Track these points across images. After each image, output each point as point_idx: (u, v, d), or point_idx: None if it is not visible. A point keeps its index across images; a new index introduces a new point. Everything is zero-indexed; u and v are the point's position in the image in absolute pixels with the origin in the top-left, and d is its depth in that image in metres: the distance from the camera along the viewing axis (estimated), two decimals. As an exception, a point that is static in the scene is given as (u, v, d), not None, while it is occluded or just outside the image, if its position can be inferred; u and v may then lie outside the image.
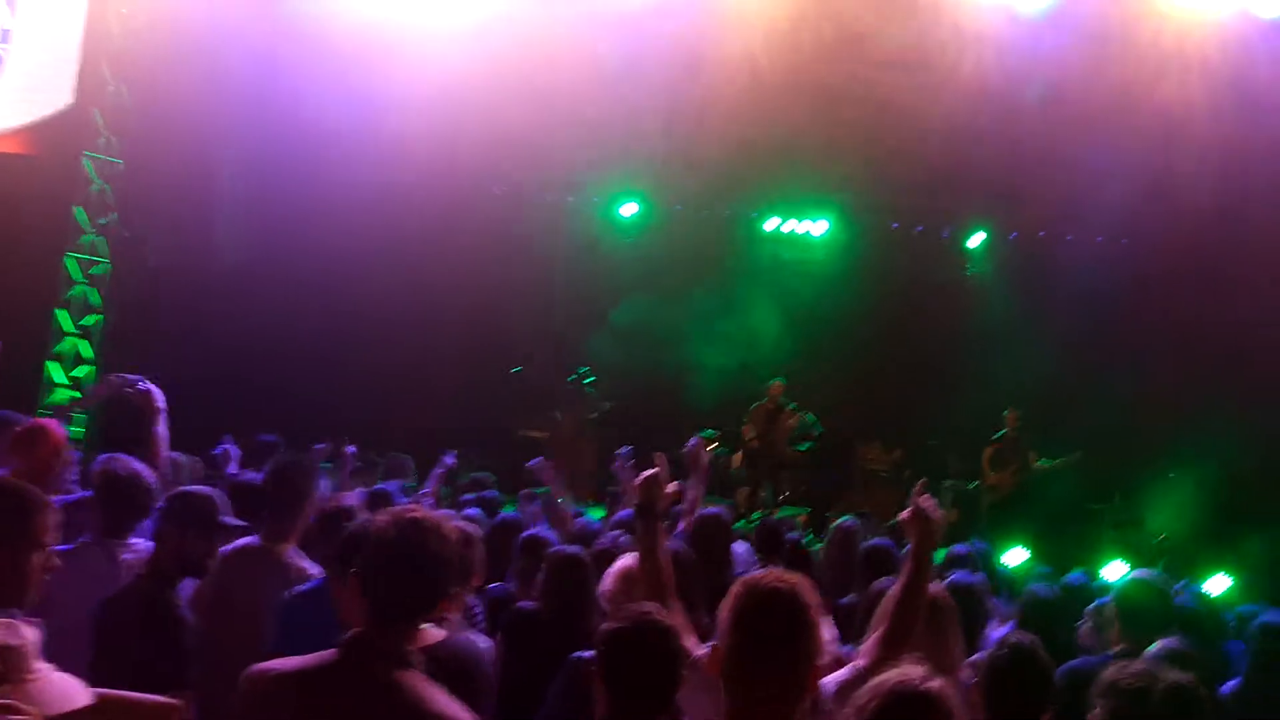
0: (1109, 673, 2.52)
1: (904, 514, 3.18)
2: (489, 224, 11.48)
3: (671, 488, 3.13)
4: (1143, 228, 11.58)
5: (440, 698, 2.31)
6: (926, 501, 3.14)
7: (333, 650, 2.33)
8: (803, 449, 11.96)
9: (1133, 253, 12.16)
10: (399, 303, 10.62)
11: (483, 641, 3.54)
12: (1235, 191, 9.79)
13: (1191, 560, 8.29)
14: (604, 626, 2.64)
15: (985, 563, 6.04)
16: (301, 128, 9.22)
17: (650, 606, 2.70)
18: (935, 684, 2.38)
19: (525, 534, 4.62)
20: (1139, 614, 3.86)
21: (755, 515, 10.61)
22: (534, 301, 12.16)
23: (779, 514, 10.29)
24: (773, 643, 2.24)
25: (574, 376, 12.11)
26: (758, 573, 2.40)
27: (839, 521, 6.10)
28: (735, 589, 2.33)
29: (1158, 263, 11.53)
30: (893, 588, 3.21)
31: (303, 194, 9.62)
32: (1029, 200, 11.76)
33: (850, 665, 3.08)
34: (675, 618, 2.78)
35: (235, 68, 8.96)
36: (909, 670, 2.45)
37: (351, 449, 6.20)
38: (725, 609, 2.30)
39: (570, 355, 12.56)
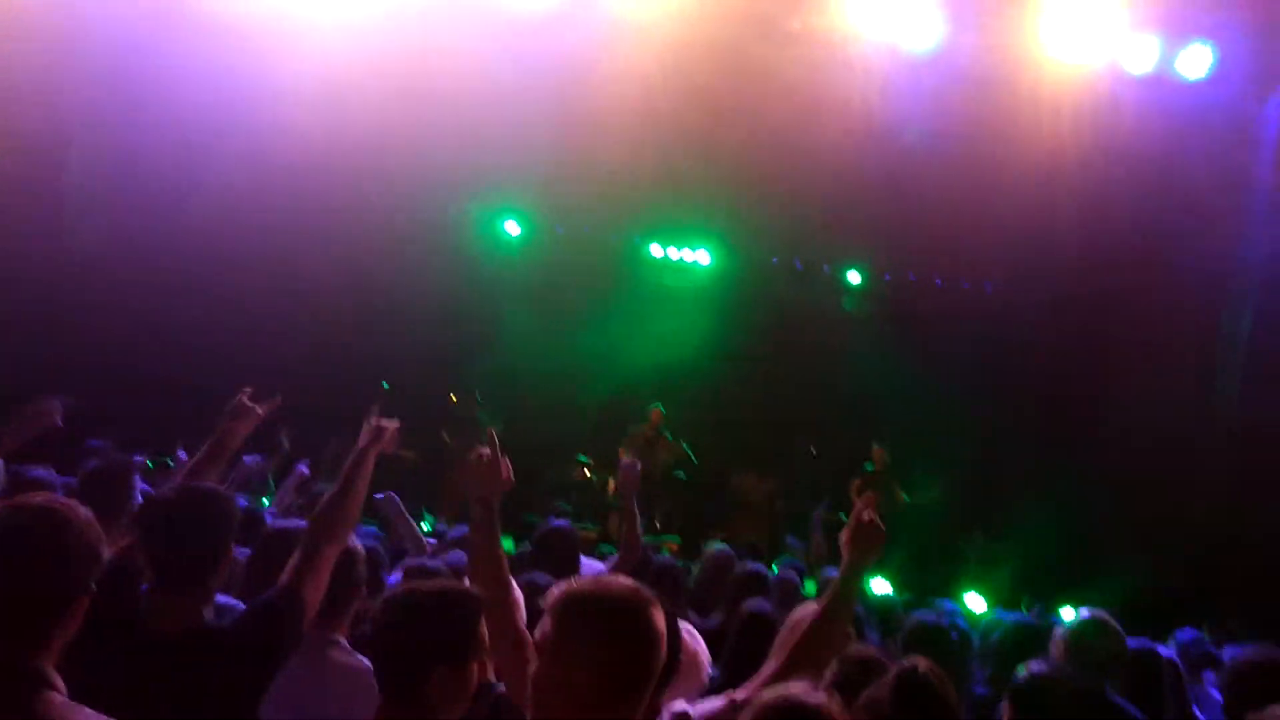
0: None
1: (846, 530, 2.87)
2: (364, 228, 11.08)
3: (506, 471, 2.82)
4: (1010, 275, 11.99)
5: (84, 716, 1.95)
6: (870, 515, 2.84)
7: None
8: (680, 477, 11.89)
9: (998, 299, 12.59)
10: (264, 307, 10.12)
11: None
12: (1101, 244, 10.21)
13: (1049, 594, 8.52)
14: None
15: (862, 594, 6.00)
16: (167, 112, 8.71)
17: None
18: (821, 698, 2.23)
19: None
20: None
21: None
22: (409, 315, 11.77)
23: (652, 540, 10.15)
24: None
25: (462, 398, 11.80)
26: None
27: (713, 547, 6.01)
28: None
29: (1022, 310, 11.94)
30: (809, 613, 2.94)
31: (165, 184, 9.08)
32: (903, 242, 12.05)
33: (724, 695, 2.87)
34: (514, 617, 2.58)
35: (94, 38, 8.39)
36: (792, 685, 2.30)
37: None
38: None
39: (447, 375, 12.22)
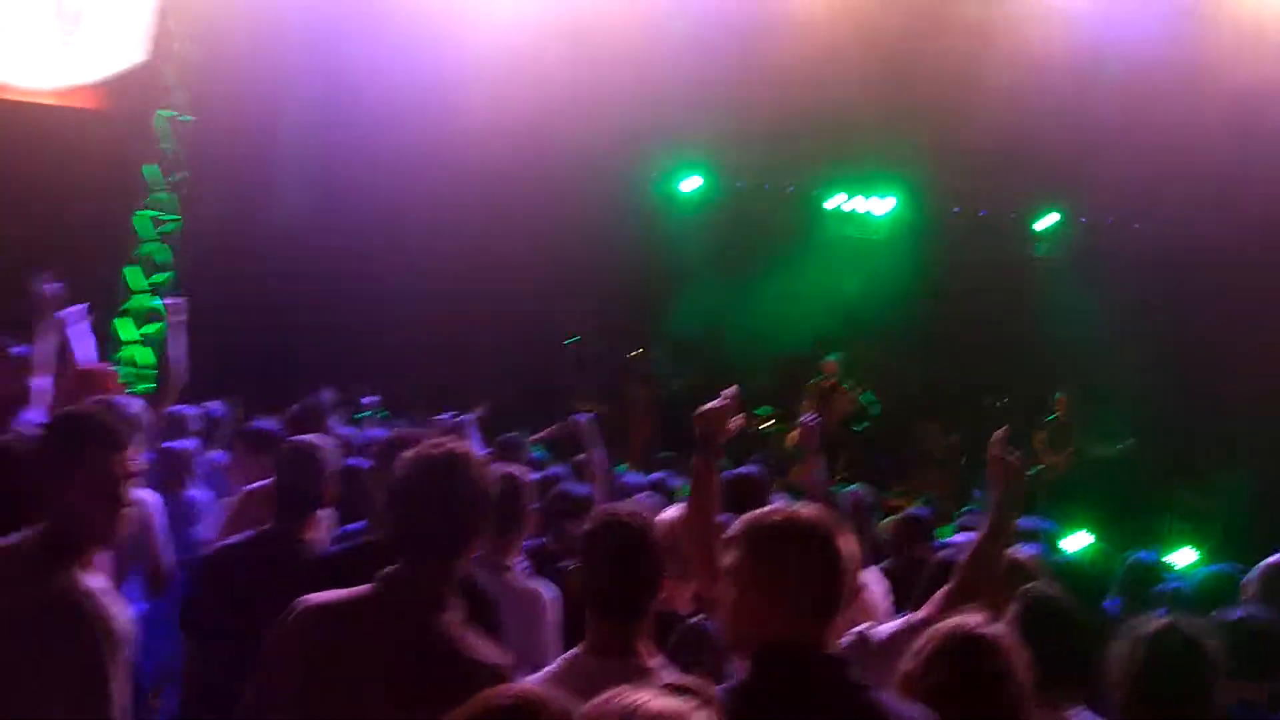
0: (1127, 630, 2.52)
1: (990, 462, 3.06)
2: (546, 192, 11.42)
3: (736, 422, 2.99)
4: (1213, 218, 11.20)
5: (474, 641, 2.25)
6: (1007, 451, 3.02)
7: (370, 585, 2.31)
8: (858, 429, 11.81)
9: (1201, 244, 11.78)
10: (452, 265, 10.62)
11: (547, 590, 3.55)
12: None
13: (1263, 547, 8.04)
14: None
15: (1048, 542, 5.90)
16: (359, 85, 9.26)
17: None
18: (994, 628, 2.30)
19: (557, 487, 4.58)
20: None
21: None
22: (592, 274, 12.11)
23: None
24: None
25: (644, 353, 12.08)
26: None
27: (849, 489, 6.04)
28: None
29: (1226, 255, 11.16)
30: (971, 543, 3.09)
31: (360, 152, 9.66)
32: (1098, 185, 11.46)
33: (904, 618, 3.00)
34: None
35: (297, 25, 9.01)
36: (967, 616, 2.38)
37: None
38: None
39: (630, 331, 12.51)
